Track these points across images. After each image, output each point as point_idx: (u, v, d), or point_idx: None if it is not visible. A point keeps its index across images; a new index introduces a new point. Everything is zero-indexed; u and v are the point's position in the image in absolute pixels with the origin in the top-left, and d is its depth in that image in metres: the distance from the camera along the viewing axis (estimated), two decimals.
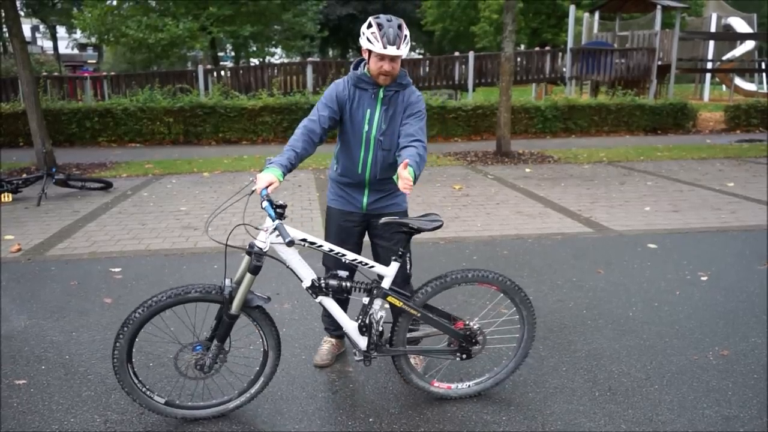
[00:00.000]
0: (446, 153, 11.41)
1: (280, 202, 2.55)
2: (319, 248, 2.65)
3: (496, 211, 6.88)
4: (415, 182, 2.48)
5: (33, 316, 3.97)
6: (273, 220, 2.49)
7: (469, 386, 2.98)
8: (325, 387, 3.09)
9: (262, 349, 2.79)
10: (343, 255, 2.67)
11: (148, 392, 2.72)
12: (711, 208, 6.99)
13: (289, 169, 2.64)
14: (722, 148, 11.99)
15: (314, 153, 2.87)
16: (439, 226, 2.66)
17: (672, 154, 11.23)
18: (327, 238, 3.06)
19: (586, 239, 5.78)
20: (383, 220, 2.70)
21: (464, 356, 2.91)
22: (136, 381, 2.69)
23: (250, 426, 2.76)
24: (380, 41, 2.61)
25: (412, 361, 3.19)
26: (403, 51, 2.64)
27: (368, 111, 2.82)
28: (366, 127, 2.82)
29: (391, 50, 2.62)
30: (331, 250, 2.66)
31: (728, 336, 3.64)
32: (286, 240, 2.42)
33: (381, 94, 2.80)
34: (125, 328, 2.58)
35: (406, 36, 2.66)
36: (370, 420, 2.81)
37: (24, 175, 8.33)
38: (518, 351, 2.98)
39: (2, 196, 7.46)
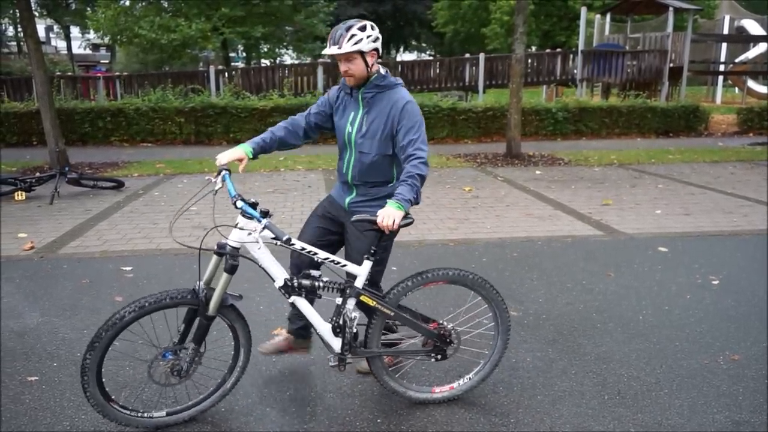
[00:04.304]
0: (456, 154, 11.39)
1: (253, 200, 2.55)
2: (291, 246, 2.61)
3: (506, 213, 6.87)
4: (413, 204, 2.59)
5: (45, 313, 4.02)
6: (260, 221, 2.49)
7: (470, 378, 2.99)
8: (333, 388, 3.10)
9: (226, 325, 2.75)
10: (315, 253, 2.66)
11: (145, 414, 2.70)
12: (723, 211, 6.94)
13: (261, 146, 2.80)
14: (734, 151, 11.90)
15: (302, 146, 3.02)
16: (410, 223, 2.61)
17: (683, 157, 11.15)
18: (309, 218, 3.05)
19: (597, 242, 5.76)
20: (354, 218, 2.65)
21: (439, 357, 2.90)
22: (128, 411, 2.67)
23: (260, 426, 2.77)
24: (328, 43, 2.67)
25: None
26: (345, 48, 2.60)
27: (352, 114, 2.85)
28: (348, 128, 2.85)
29: (332, 50, 2.63)
30: (303, 249, 2.64)
31: (739, 340, 3.61)
32: (284, 238, 2.47)
33: (360, 97, 2.81)
34: (86, 376, 2.50)
35: (353, 35, 2.60)
36: (378, 421, 2.81)
37: (37, 174, 8.41)
38: (499, 328, 2.95)
39: (16, 194, 7.54)
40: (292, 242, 2.57)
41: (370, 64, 2.70)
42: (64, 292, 4.42)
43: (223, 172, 2.67)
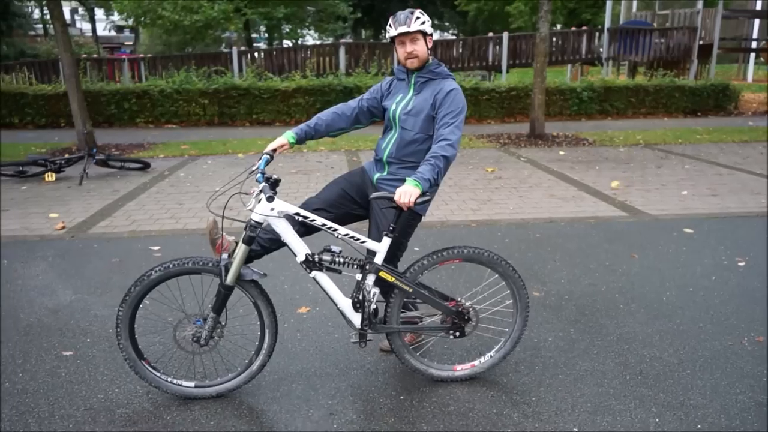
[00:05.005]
0: (479, 135, 11.33)
1: (275, 176, 2.72)
2: (312, 222, 2.73)
3: (529, 194, 6.84)
4: (433, 185, 2.66)
5: (78, 291, 4.14)
6: (259, 182, 2.67)
7: (491, 356, 3.02)
8: (357, 365, 3.17)
9: (251, 303, 2.82)
10: (336, 230, 2.74)
11: (174, 381, 2.81)
12: (751, 192, 6.82)
13: (306, 132, 2.95)
14: (765, 131, 11.63)
15: (349, 130, 3.06)
16: (428, 201, 2.70)
17: (712, 137, 10.94)
18: (338, 179, 3.11)
19: (621, 223, 5.72)
20: (374, 195, 2.72)
21: (457, 334, 2.94)
22: (158, 373, 2.79)
23: (286, 401, 2.85)
24: (393, 26, 2.81)
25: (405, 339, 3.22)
26: (414, 27, 2.77)
27: (400, 95, 2.96)
28: (394, 107, 2.94)
29: (402, 29, 2.78)
30: (324, 225, 2.74)
31: (764, 322, 3.59)
32: (267, 195, 2.62)
33: (413, 80, 2.92)
34: (119, 327, 2.69)
35: (417, 17, 2.80)
36: (401, 397, 2.87)
37: (66, 156, 8.58)
38: (518, 305, 2.97)
39: (46, 175, 7.72)
40: (312, 218, 2.70)
41: (429, 47, 2.86)
42: (95, 270, 4.54)
43: (265, 156, 2.85)
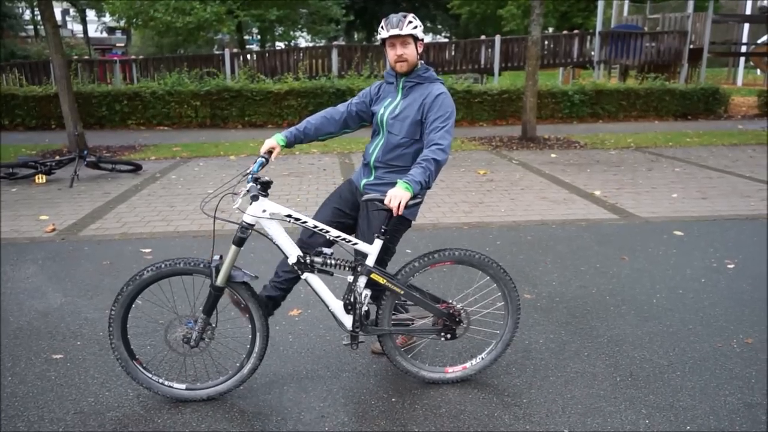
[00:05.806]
0: (471, 138, 11.36)
1: (267, 178, 2.73)
2: (304, 224, 2.73)
3: (521, 196, 6.87)
4: (424, 187, 2.64)
5: (68, 293, 4.12)
6: (248, 182, 2.67)
7: (482, 358, 3.03)
8: (349, 367, 3.17)
9: (242, 306, 2.83)
10: (327, 231, 2.75)
11: (166, 383, 2.81)
12: (741, 195, 6.88)
13: (295, 135, 2.98)
14: (755, 134, 11.74)
15: (340, 134, 3.09)
16: (419, 203, 2.74)
17: (702, 140, 11.02)
18: (328, 198, 3.14)
19: (611, 226, 5.75)
20: (365, 197, 2.74)
21: (449, 336, 2.95)
22: (150, 374, 2.78)
23: (277, 403, 2.84)
24: (385, 28, 2.83)
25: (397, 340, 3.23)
26: (406, 30, 2.78)
27: (389, 100, 2.98)
28: (382, 111, 2.96)
29: (394, 31, 2.79)
30: (316, 227, 2.74)
31: (753, 324, 3.62)
32: (252, 194, 2.63)
33: (401, 85, 2.93)
34: (111, 327, 2.68)
35: (410, 22, 2.82)
36: (393, 400, 2.87)
37: (57, 157, 8.53)
38: (509, 307, 2.97)
39: (36, 177, 7.67)
40: (304, 220, 2.71)
41: (419, 52, 2.88)
42: (86, 273, 4.52)
43: (259, 159, 2.87)
